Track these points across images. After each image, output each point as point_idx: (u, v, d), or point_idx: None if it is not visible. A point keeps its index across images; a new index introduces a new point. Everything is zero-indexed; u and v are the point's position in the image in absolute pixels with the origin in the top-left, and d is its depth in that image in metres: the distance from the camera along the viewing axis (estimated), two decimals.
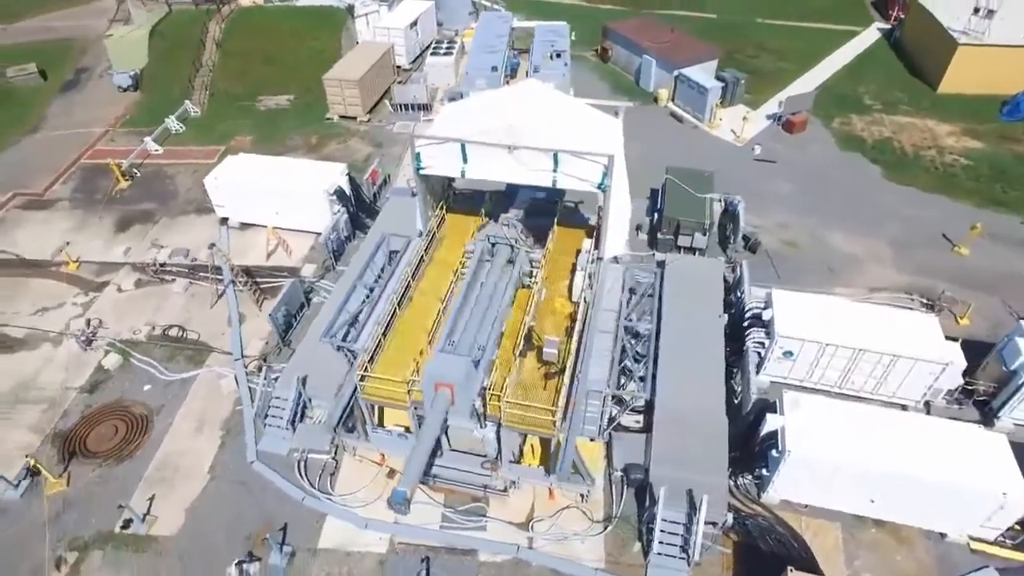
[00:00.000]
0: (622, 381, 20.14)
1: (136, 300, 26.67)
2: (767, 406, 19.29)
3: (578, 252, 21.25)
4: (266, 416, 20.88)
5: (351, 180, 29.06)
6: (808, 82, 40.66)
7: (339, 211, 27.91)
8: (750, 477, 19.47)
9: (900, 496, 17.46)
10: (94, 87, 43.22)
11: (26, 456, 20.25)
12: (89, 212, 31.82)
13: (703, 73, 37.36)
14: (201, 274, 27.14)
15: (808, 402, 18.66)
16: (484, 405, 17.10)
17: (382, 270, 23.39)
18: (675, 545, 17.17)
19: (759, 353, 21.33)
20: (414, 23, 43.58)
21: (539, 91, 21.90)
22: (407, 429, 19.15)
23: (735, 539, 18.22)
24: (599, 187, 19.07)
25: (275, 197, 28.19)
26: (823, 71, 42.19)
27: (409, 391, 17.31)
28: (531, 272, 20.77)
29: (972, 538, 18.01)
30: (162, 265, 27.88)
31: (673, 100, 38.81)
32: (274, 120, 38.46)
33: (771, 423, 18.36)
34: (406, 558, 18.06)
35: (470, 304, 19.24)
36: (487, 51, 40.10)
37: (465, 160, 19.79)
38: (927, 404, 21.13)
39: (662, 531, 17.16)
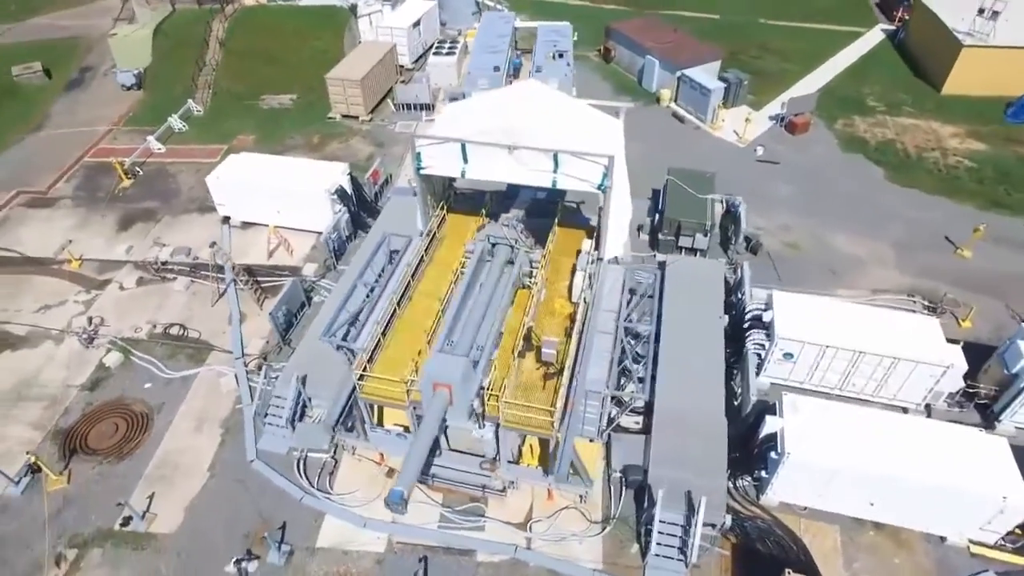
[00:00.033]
0: (622, 382, 20.11)
1: (138, 298, 26.76)
2: (767, 408, 19.29)
3: (578, 253, 21.21)
4: (266, 415, 20.94)
5: (352, 179, 29.12)
6: (811, 83, 40.56)
7: (340, 210, 27.95)
8: (749, 479, 19.44)
9: (899, 499, 17.41)
10: (98, 86, 43.37)
11: (27, 453, 20.32)
12: (92, 210, 31.94)
13: (706, 74, 37.30)
14: (202, 273, 27.22)
15: (807, 404, 18.63)
16: (482, 405, 17.08)
17: (383, 270, 23.40)
18: (673, 547, 17.14)
19: (759, 355, 21.29)
20: (417, 23, 43.62)
21: (539, 91, 21.86)
22: (406, 429, 19.16)
23: (734, 541, 18.19)
24: (599, 188, 19.02)
25: (276, 196, 28.25)
26: (826, 72, 42.09)
27: (408, 391, 17.30)
28: (531, 272, 20.74)
29: (972, 542, 17.94)
30: (164, 263, 27.97)
31: (675, 101, 38.75)
32: (276, 119, 38.53)
33: (770, 425, 18.34)
34: (404, 557, 18.08)
35: (469, 304, 19.22)
36: (489, 51, 40.13)
37: (465, 160, 19.75)
38: (928, 407, 21.06)
39: (660, 532, 17.14)
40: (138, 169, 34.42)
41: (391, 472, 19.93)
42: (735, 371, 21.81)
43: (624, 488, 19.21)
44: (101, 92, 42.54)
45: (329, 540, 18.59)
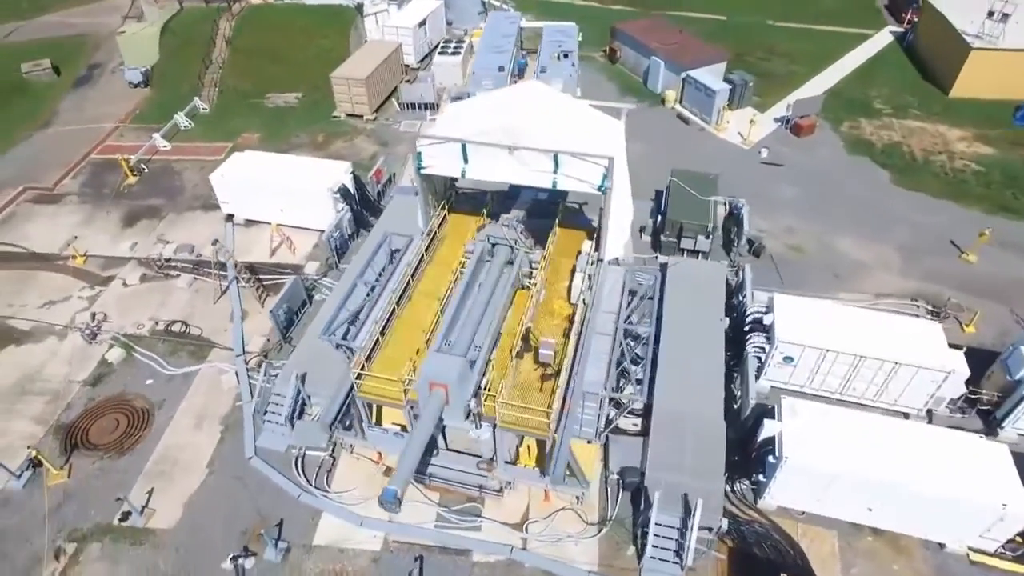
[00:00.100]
0: (620, 383, 20.05)
1: (141, 295, 26.93)
2: (766, 411, 19.20)
3: (579, 254, 21.19)
4: (265, 412, 21.03)
5: (355, 178, 29.21)
6: (818, 85, 40.31)
7: (343, 209, 28.03)
8: (747, 483, 19.34)
9: (898, 505, 17.27)
10: (106, 83, 43.71)
11: (28, 447, 20.49)
12: (97, 207, 32.17)
13: (711, 75, 37.14)
14: (205, 270, 27.36)
15: (806, 408, 18.52)
16: (479, 405, 17.08)
17: (383, 269, 23.44)
18: (669, 550, 17.09)
19: (759, 358, 21.18)
20: (423, 22, 43.68)
21: (541, 92, 21.87)
22: (404, 428, 19.20)
23: (730, 545, 18.11)
24: (599, 189, 18.97)
25: (279, 194, 28.37)
26: (833, 74, 41.81)
27: (405, 390, 17.32)
28: (530, 273, 20.72)
29: (971, 549, 17.78)
30: (167, 260, 28.14)
31: (680, 102, 38.61)
32: (282, 117, 38.69)
33: (768, 429, 18.23)
34: (399, 556, 18.11)
35: (468, 304, 19.24)
36: (495, 51, 40.13)
37: (466, 160, 19.75)
38: (929, 412, 20.90)
39: (656, 535, 17.09)
40: (144, 166, 34.65)
41: (388, 471, 19.95)
42: (735, 374, 21.71)
43: (621, 490, 19.14)
44: (109, 89, 42.87)
45: (326, 538, 18.64)
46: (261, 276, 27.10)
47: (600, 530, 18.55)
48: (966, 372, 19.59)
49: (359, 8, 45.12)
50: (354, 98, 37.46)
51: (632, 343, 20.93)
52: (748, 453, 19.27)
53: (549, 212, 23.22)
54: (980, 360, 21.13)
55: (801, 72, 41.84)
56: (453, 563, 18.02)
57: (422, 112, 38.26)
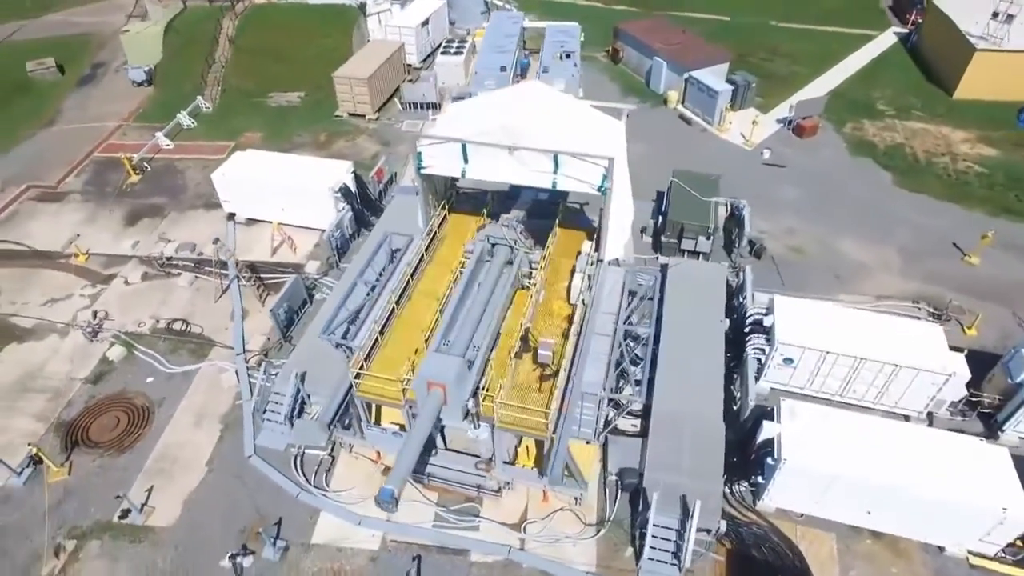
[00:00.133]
0: (620, 384, 20.03)
1: (142, 293, 27.02)
2: (765, 413, 19.15)
3: (579, 254, 21.17)
4: (265, 411, 21.06)
5: (357, 178, 29.25)
6: (821, 86, 40.21)
7: (344, 208, 28.06)
8: (746, 484, 19.30)
9: (897, 508, 17.21)
10: (109, 82, 43.83)
11: (29, 444, 20.56)
12: (100, 205, 32.27)
13: (713, 76, 37.08)
14: (206, 269, 27.42)
15: (806, 410, 18.47)
16: (477, 406, 17.08)
17: (384, 268, 23.45)
18: (667, 551, 17.06)
19: (759, 359, 21.14)
20: (425, 22, 43.70)
21: (542, 92, 21.86)
22: (402, 428, 19.21)
23: (729, 547, 18.07)
24: (599, 190, 18.95)
25: (281, 193, 28.41)
26: (836, 75, 41.71)
27: (404, 390, 17.33)
28: (530, 273, 20.72)
29: (971, 553, 17.71)
30: (168, 259, 28.21)
31: (683, 102, 38.55)
32: (284, 117, 38.75)
33: (767, 431, 18.19)
34: (397, 556, 18.13)
35: (467, 304, 19.22)
36: (497, 51, 40.15)
37: (466, 160, 19.74)
38: (930, 415, 20.82)
39: (654, 536, 17.06)
40: (146, 165, 34.75)
41: (387, 470, 19.94)
42: (735, 375, 21.67)
43: (620, 491, 19.13)
44: (112, 88, 42.99)
45: (324, 537, 18.67)
46: (262, 275, 27.15)
47: (598, 531, 18.54)
48: (967, 375, 19.51)
49: (362, 8, 45.21)
50: (356, 98, 37.51)
51: (632, 344, 20.89)
52: (747, 455, 19.22)
53: (550, 212, 23.21)
54: (982, 363, 21.08)
55: (804, 73, 41.74)
56: (451, 563, 18.02)
57: (424, 112, 38.27)
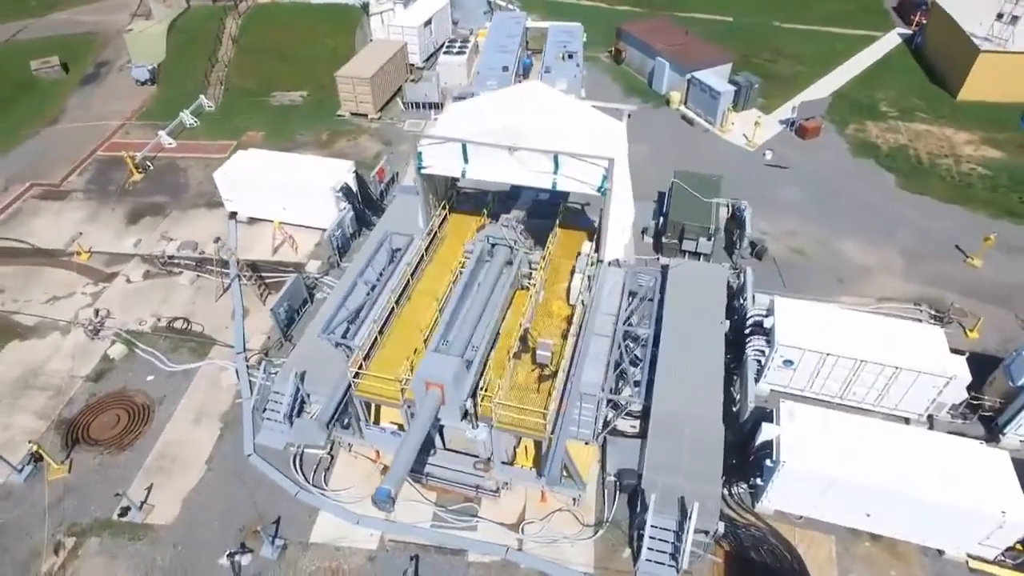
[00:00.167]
0: (619, 385, 20.00)
1: (144, 291, 27.10)
2: (765, 415, 19.09)
3: (579, 255, 21.16)
4: (264, 410, 21.09)
5: (358, 177, 29.28)
6: (824, 87, 40.10)
7: (345, 208, 28.09)
8: (745, 486, 19.26)
9: (896, 511, 17.14)
10: (113, 80, 43.96)
11: (29, 442, 20.64)
12: (102, 203, 32.38)
13: (716, 77, 37.01)
14: (208, 267, 27.48)
15: (804, 413, 18.41)
16: (475, 406, 17.08)
17: (384, 268, 23.48)
18: (665, 552, 17.03)
19: (759, 361, 21.09)
20: (428, 21, 43.70)
21: (543, 92, 21.87)
22: (401, 427, 19.23)
23: (727, 548, 18.04)
24: (598, 190, 18.93)
25: (282, 192, 28.46)
26: (840, 76, 41.58)
27: (402, 389, 17.34)
28: (529, 274, 20.71)
29: (971, 556, 17.64)
30: (170, 257, 28.29)
31: (685, 103, 38.49)
32: (286, 116, 38.81)
33: (766, 432, 18.14)
34: (395, 555, 18.14)
35: (467, 304, 19.22)
36: (500, 51, 40.15)
37: (466, 160, 19.75)
38: (930, 418, 20.74)
39: (652, 538, 17.03)
40: (149, 163, 34.85)
41: (386, 469, 19.95)
42: (735, 377, 21.62)
43: (618, 492, 19.12)
44: (116, 87, 43.12)
45: (322, 536, 18.70)
46: (263, 274, 27.20)
47: (596, 532, 18.52)
48: (967, 378, 19.43)
49: (365, 7, 45.26)
50: (359, 97, 37.55)
51: (631, 345, 20.88)
52: (746, 456, 19.18)
53: (550, 213, 23.21)
54: (983, 365, 21.04)
55: (807, 74, 41.63)
56: (448, 563, 18.03)
57: (426, 112, 38.29)
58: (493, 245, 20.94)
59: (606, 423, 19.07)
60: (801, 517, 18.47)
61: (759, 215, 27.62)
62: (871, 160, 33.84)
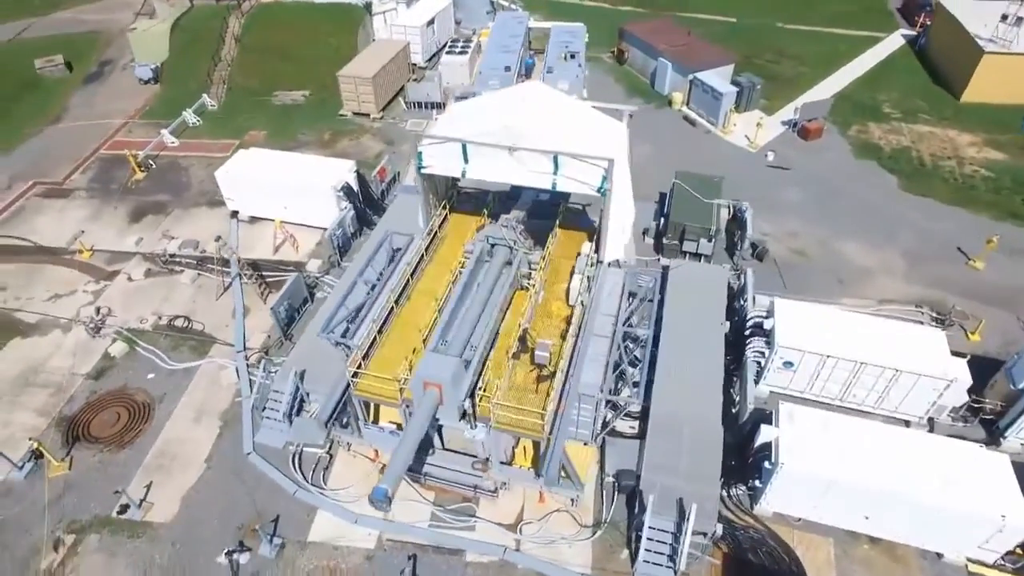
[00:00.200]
0: (618, 386, 19.97)
1: (145, 290, 27.17)
2: (764, 416, 19.05)
3: (579, 255, 21.14)
4: (264, 409, 21.11)
5: (359, 177, 29.31)
6: (826, 88, 39.99)
7: (346, 207, 28.12)
8: (744, 488, 19.22)
9: (895, 514, 17.09)
10: (116, 79, 44.11)
11: (30, 439, 20.72)
12: (105, 202, 32.48)
13: (718, 77, 36.96)
14: (209, 266, 27.54)
15: (804, 414, 18.36)
16: (474, 406, 17.08)
17: (384, 268, 23.50)
18: (662, 553, 16.98)
19: (759, 363, 21.04)
20: (431, 21, 43.74)
21: (543, 92, 21.85)
22: (399, 427, 19.24)
23: (725, 550, 18.00)
24: (598, 191, 18.92)
25: (284, 192, 28.51)
26: (843, 77, 41.46)
27: (401, 389, 17.35)
28: (529, 274, 20.70)
29: (970, 560, 17.57)
30: (171, 256, 28.36)
31: (688, 104, 38.43)
32: (289, 115, 38.88)
33: (766, 434, 18.10)
34: (393, 555, 18.15)
35: (466, 304, 19.22)
36: (502, 51, 40.15)
37: (466, 160, 19.77)
38: (931, 421, 20.66)
39: (649, 539, 16.99)
40: (151, 162, 34.95)
41: (385, 469, 19.98)
42: (735, 378, 21.57)
43: (616, 493, 19.10)
44: (119, 85, 43.27)
45: (321, 535, 18.72)
46: (264, 273, 27.26)
47: (594, 532, 18.50)
48: (968, 380, 19.37)
49: (367, 7, 45.31)
50: (361, 96, 37.59)
51: (631, 345, 20.85)
52: (745, 458, 19.14)
53: (550, 213, 23.21)
54: (985, 368, 20.96)
55: (810, 75, 41.52)
56: (446, 563, 18.04)
57: (429, 111, 38.31)
58: (493, 245, 20.95)
59: (605, 424, 19.05)
60: (800, 519, 18.42)
61: (760, 216, 27.56)
62: (873, 161, 33.73)
